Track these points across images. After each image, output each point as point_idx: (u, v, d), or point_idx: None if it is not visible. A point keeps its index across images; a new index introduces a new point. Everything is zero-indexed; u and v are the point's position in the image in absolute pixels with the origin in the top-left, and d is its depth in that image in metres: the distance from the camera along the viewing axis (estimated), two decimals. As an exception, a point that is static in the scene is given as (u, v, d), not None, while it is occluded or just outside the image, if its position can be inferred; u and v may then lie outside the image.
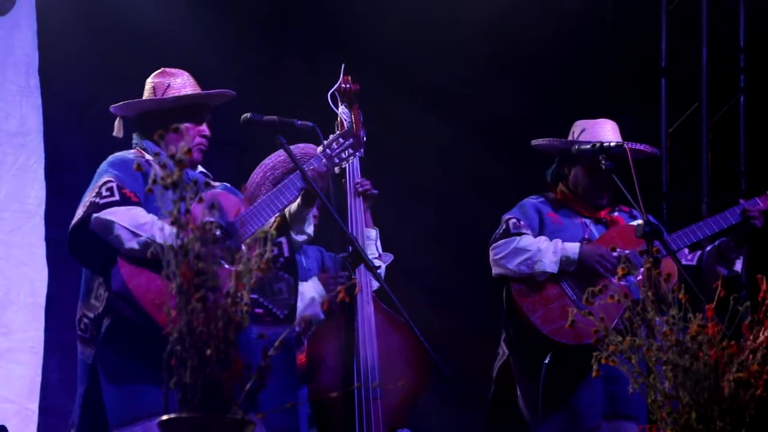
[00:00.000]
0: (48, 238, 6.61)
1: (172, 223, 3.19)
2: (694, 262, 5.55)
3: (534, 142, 5.64)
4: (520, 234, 5.43)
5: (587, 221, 5.54)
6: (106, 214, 4.60)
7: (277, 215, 4.85)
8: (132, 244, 4.52)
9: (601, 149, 5.35)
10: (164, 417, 3.15)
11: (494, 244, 5.46)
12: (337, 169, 5.05)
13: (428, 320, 5.65)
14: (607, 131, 5.52)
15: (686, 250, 5.57)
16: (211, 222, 3.24)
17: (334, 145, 4.99)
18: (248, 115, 4.98)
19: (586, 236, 5.48)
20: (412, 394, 5.45)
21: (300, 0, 7.61)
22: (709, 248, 5.56)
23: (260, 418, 3.27)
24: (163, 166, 3.14)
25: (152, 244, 4.17)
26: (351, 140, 5.02)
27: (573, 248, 5.38)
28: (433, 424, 6.78)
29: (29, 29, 6.65)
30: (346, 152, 5.00)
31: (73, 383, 6.40)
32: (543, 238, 5.42)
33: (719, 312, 3.65)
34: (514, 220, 5.48)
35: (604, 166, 5.30)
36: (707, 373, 3.58)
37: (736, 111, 7.81)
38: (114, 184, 4.68)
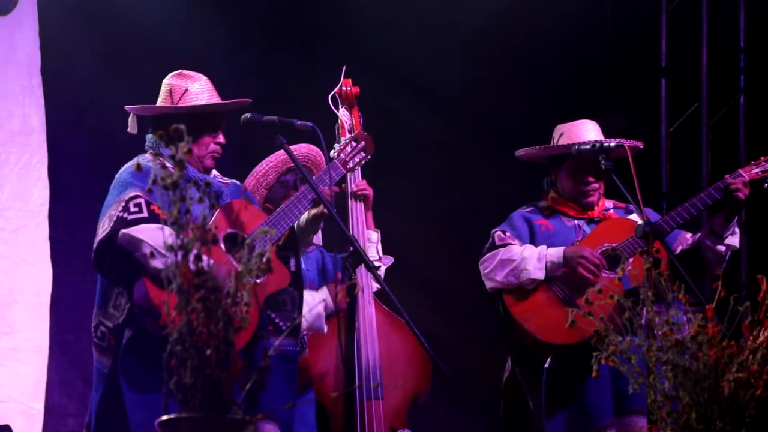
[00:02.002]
0: (51, 238, 6.61)
1: (172, 224, 3.19)
2: (695, 245, 5.54)
3: (518, 153, 5.66)
4: (505, 245, 5.44)
5: (580, 223, 5.54)
6: (135, 232, 4.57)
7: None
8: (158, 264, 4.45)
9: (601, 149, 5.35)
10: (164, 417, 3.15)
11: (482, 259, 5.48)
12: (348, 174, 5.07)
13: (429, 322, 5.64)
14: (586, 131, 5.53)
15: (688, 235, 5.57)
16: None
17: (348, 148, 5.02)
18: (248, 115, 4.98)
19: (580, 238, 5.49)
20: (414, 395, 5.45)
21: (300, 0, 7.61)
22: (703, 227, 5.58)
23: (259, 418, 3.27)
24: (163, 167, 3.14)
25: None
26: (363, 143, 5.05)
27: (557, 253, 5.38)
28: (434, 425, 6.79)
29: (31, 29, 6.65)
30: (359, 156, 5.03)
31: (76, 383, 6.41)
32: (528, 246, 5.43)
33: (719, 312, 3.65)
34: (499, 233, 5.50)
35: (604, 166, 5.30)
36: (707, 373, 3.58)
37: (736, 111, 7.80)
38: (142, 200, 4.65)
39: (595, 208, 5.57)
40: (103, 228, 4.68)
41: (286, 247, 4.93)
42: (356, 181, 5.50)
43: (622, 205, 5.64)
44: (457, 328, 7.35)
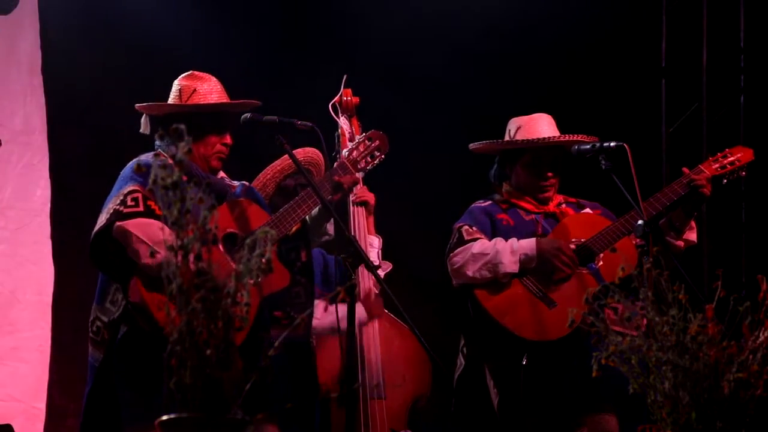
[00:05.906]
0: (55, 237, 6.62)
1: (172, 224, 3.19)
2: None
3: (471, 146, 5.64)
4: (474, 240, 5.41)
5: (537, 217, 5.54)
6: (128, 225, 4.60)
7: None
8: (148, 260, 4.48)
9: (601, 149, 5.35)
10: (164, 417, 3.16)
11: (451, 254, 5.44)
12: (362, 174, 5.06)
13: (432, 325, 5.63)
14: (542, 126, 5.53)
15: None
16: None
17: (360, 148, 5.00)
18: (248, 115, 4.99)
19: (539, 232, 5.47)
20: (414, 397, 5.46)
21: (302, 1, 7.61)
22: (661, 221, 5.56)
23: (260, 418, 3.27)
24: (164, 167, 3.15)
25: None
26: (377, 142, 5.03)
27: (530, 245, 5.36)
28: (434, 425, 6.78)
29: (32, 28, 6.67)
30: (372, 155, 5.02)
31: (77, 383, 6.41)
32: (498, 239, 5.40)
33: (719, 312, 3.65)
34: (466, 227, 5.47)
35: (603, 166, 5.30)
36: (707, 373, 3.58)
37: (736, 111, 7.80)
38: (140, 194, 4.67)
39: (550, 203, 5.57)
40: (100, 220, 4.71)
41: (297, 238, 4.94)
42: (357, 188, 5.49)
43: (573, 199, 5.65)
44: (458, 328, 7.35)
